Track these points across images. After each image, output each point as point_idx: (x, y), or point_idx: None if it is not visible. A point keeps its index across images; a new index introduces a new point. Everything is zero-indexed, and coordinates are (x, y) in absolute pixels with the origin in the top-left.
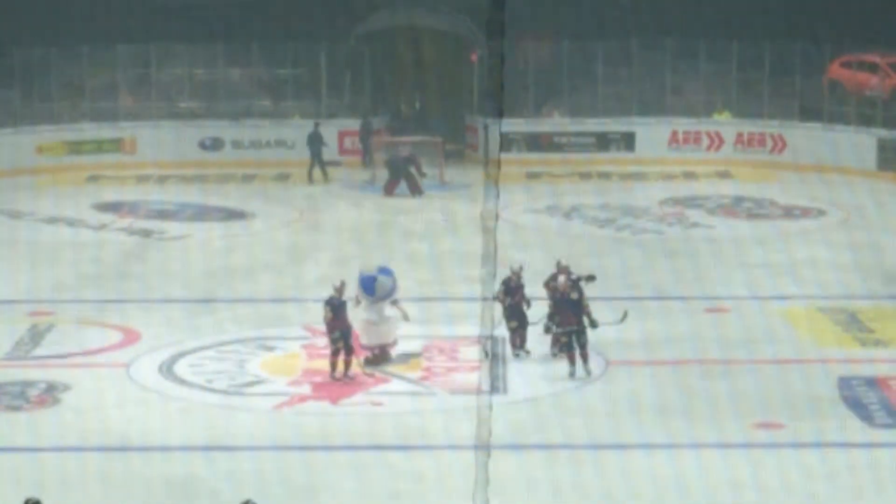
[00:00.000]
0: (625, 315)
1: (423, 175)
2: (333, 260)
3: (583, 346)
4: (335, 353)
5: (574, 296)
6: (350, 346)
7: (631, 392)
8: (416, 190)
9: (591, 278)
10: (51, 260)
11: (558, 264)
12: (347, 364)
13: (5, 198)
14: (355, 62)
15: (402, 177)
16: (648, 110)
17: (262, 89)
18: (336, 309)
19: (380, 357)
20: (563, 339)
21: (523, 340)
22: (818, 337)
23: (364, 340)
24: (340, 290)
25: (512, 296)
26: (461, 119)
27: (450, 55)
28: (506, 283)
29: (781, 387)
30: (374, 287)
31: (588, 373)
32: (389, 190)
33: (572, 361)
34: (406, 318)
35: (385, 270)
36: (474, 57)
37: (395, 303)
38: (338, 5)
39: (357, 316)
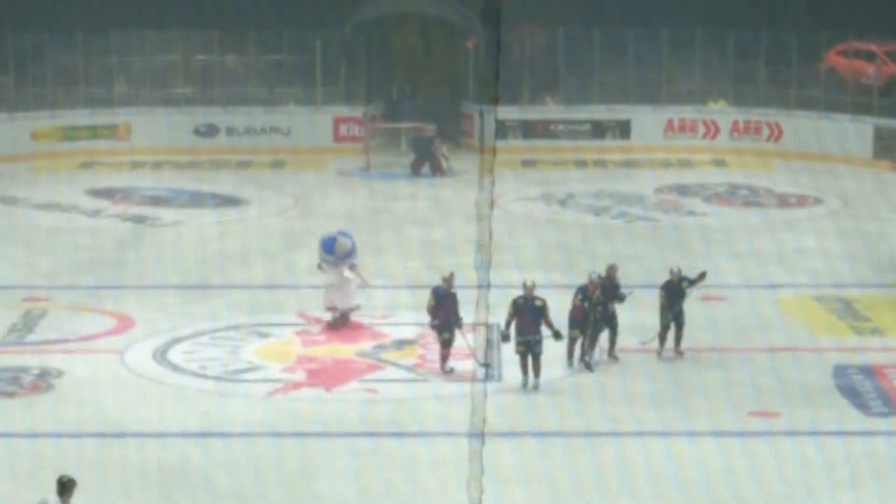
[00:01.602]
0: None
1: (445, 157)
2: None
3: (535, 358)
4: (445, 346)
5: (538, 303)
6: (451, 337)
7: (625, 380)
8: (438, 170)
9: (701, 276)
10: (45, 246)
11: (609, 267)
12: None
13: (0, 184)
14: (351, 49)
15: (427, 157)
16: (644, 98)
17: (258, 76)
18: (441, 298)
19: (340, 320)
20: (520, 349)
21: (613, 344)
22: (813, 325)
23: (325, 303)
24: (450, 280)
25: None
26: (456, 106)
27: (445, 43)
28: (583, 290)
29: (776, 375)
30: (335, 247)
31: (536, 387)
32: (416, 169)
33: (524, 371)
34: (365, 283)
35: (345, 233)
36: (469, 44)
37: (352, 267)
38: None
39: (319, 280)
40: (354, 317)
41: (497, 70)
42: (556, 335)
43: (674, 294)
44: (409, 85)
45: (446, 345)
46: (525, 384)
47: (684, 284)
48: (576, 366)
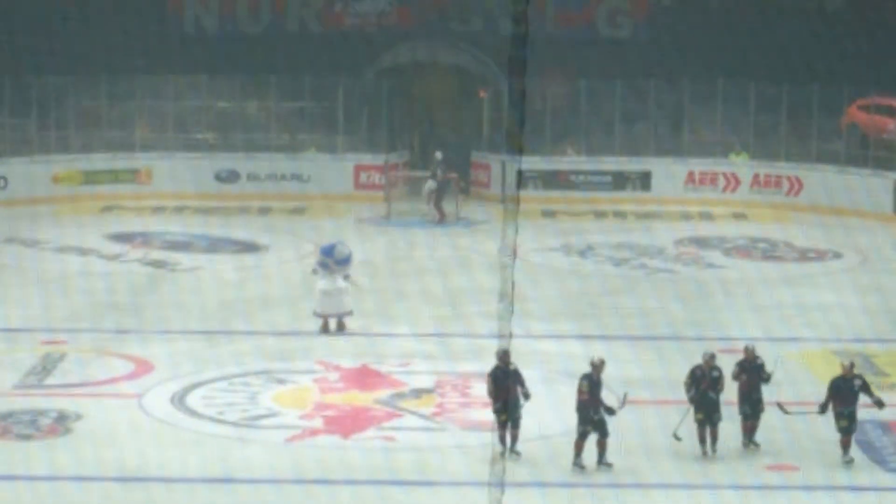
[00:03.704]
0: (625, 397)
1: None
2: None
3: (606, 436)
4: (502, 426)
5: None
6: (516, 419)
7: (644, 431)
8: (441, 214)
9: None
10: (64, 289)
11: (746, 348)
12: (514, 438)
13: (20, 226)
14: (372, 97)
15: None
16: (665, 150)
17: (279, 122)
18: (498, 380)
19: (338, 326)
20: (588, 429)
21: (714, 438)
22: None
23: (319, 309)
24: (505, 358)
25: (697, 385)
26: (466, 155)
27: (458, 91)
28: (693, 371)
29: (795, 429)
30: (334, 251)
31: (609, 466)
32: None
33: (579, 452)
34: (359, 288)
35: (342, 242)
36: (482, 93)
37: (346, 277)
38: (356, 40)
39: (315, 286)
40: (372, 365)
41: (522, 120)
42: (610, 411)
43: (844, 392)
44: (429, 134)
45: (503, 425)
46: (581, 465)
47: (856, 382)
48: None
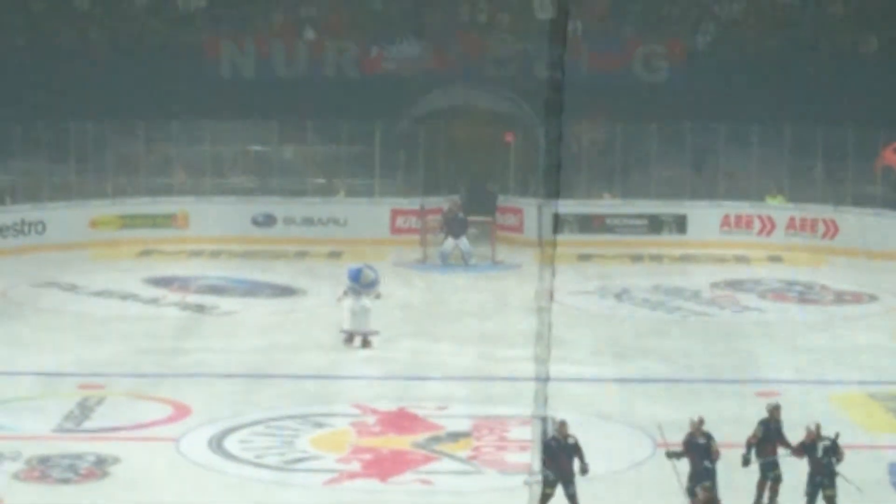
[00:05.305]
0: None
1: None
2: (384, 338)
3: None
4: (544, 499)
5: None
6: (572, 495)
7: (682, 475)
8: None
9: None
10: (102, 333)
11: (808, 429)
12: None
13: (58, 271)
14: (409, 141)
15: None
16: (701, 193)
17: (316, 166)
18: (552, 452)
19: (363, 343)
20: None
21: None
22: (869, 422)
23: (346, 326)
24: (563, 430)
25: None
26: (493, 199)
27: (495, 136)
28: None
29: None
30: (360, 276)
31: None
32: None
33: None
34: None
35: (370, 266)
36: (509, 137)
37: (378, 296)
38: (393, 85)
39: (343, 305)
40: (409, 408)
41: (559, 163)
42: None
43: None
44: (467, 178)
45: (545, 498)
46: None
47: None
48: None
